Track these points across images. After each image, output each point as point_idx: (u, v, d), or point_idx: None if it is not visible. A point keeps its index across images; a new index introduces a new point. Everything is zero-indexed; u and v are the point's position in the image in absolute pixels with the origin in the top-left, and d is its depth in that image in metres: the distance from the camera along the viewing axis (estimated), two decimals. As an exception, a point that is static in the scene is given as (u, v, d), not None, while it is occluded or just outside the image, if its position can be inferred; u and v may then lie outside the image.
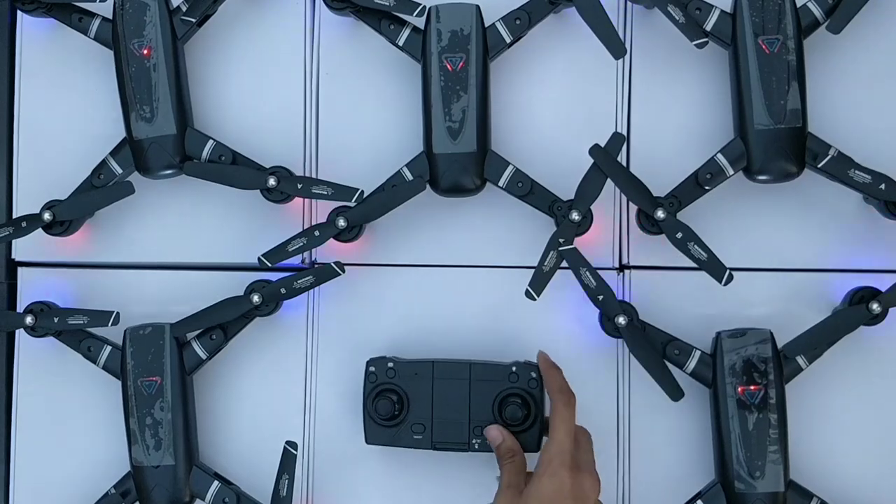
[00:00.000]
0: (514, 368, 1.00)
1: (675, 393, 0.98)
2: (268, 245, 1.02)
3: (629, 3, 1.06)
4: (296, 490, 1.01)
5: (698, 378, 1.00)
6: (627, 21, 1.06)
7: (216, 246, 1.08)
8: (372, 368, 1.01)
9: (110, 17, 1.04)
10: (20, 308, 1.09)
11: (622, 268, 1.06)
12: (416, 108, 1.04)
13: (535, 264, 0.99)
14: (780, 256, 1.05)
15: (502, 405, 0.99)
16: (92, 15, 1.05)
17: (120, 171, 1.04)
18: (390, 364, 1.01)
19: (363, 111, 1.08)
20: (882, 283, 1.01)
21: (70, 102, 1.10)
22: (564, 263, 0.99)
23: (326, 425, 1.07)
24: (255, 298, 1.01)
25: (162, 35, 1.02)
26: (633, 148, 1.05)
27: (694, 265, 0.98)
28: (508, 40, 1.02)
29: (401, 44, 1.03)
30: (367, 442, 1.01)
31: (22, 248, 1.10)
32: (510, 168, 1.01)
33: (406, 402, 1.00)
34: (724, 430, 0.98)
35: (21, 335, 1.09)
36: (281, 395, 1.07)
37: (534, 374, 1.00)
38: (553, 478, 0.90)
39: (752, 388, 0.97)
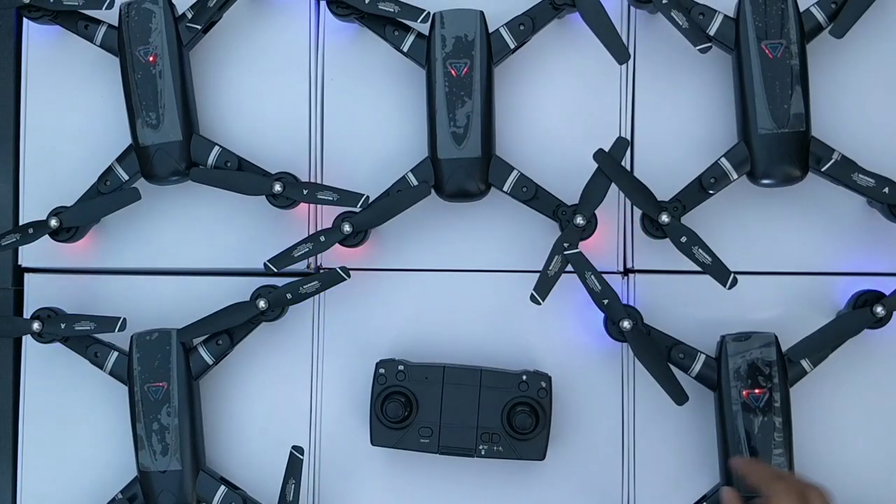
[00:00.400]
0: (524, 377, 1.00)
1: (679, 397, 0.98)
2: (273, 250, 1.02)
3: (633, 8, 1.06)
4: (302, 494, 1.01)
5: (703, 381, 1.00)
6: (631, 26, 1.06)
7: (222, 251, 1.08)
8: (382, 370, 1.01)
9: (116, 24, 1.04)
10: (27, 314, 1.09)
11: (627, 272, 1.06)
12: (420, 113, 1.04)
13: (540, 269, 0.99)
14: (784, 260, 1.05)
15: (511, 413, 0.99)
16: (98, 22, 1.06)
17: (126, 177, 1.05)
18: (400, 367, 1.01)
19: (368, 117, 1.08)
20: (886, 286, 1.01)
21: (76, 109, 1.10)
22: (569, 268, 0.99)
23: (332, 430, 1.07)
24: (262, 304, 1.02)
25: (167, 42, 1.03)
26: (637, 152, 1.06)
27: (698, 269, 0.98)
28: (512, 46, 1.02)
29: (405, 50, 1.03)
30: (373, 443, 1.02)
31: (28, 254, 1.10)
32: (514, 173, 1.02)
33: (415, 405, 1.01)
34: (729, 433, 0.98)
35: (28, 341, 1.09)
36: (287, 399, 1.08)
37: (543, 384, 1.00)
38: None
39: (756, 391, 0.98)
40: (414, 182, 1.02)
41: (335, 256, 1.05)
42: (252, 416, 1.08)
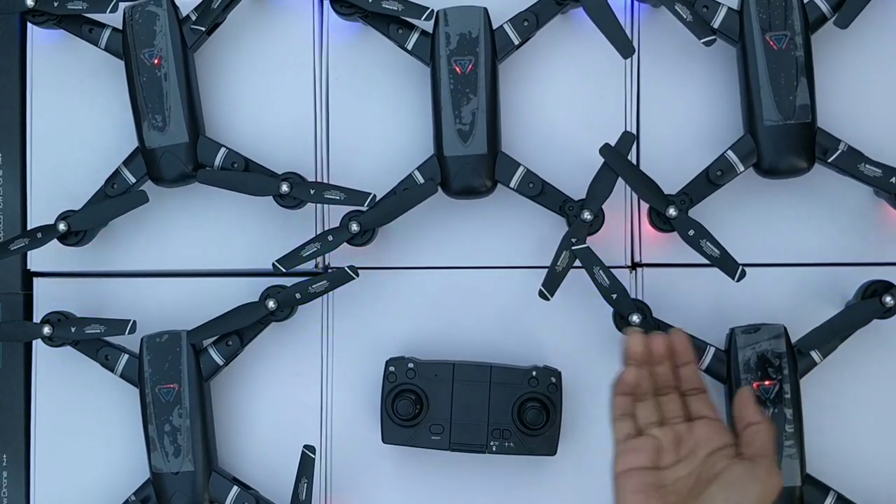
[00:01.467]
0: (533, 373, 1.00)
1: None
2: (281, 251, 1.02)
3: (636, 2, 1.06)
4: (314, 493, 1.02)
5: (713, 374, 1.00)
6: (635, 20, 1.06)
7: (230, 252, 1.09)
8: (392, 368, 1.02)
9: (120, 27, 1.05)
10: (36, 318, 1.09)
11: (635, 266, 1.06)
12: (425, 111, 1.04)
13: (548, 264, 1.00)
14: (792, 251, 1.05)
15: (521, 409, 1.00)
16: (102, 26, 1.06)
17: (133, 180, 1.05)
18: (410, 364, 1.01)
19: (373, 115, 1.08)
20: (894, 276, 1.01)
21: (82, 113, 1.10)
22: (577, 263, 0.99)
23: (343, 428, 1.07)
24: (271, 304, 1.02)
25: (172, 44, 1.03)
26: (644, 146, 1.06)
27: (706, 262, 0.98)
28: (517, 42, 1.02)
29: (409, 48, 1.03)
30: (384, 441, 1.02)
31: (37, 258, 1.10)
32: (521, 169, 1.02)
33: (425, 402, 1.01)
34: (740, 425, 0.98)
35: (38, 345, 1.10)
36: (297, 399, 1.08)
37: (553, 379, 1.00)
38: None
39: (766, 383, 0.98)
40: (420, 180, 1.02)
41: (343, 255, 1.06)
42: (263, 416, 1.08)
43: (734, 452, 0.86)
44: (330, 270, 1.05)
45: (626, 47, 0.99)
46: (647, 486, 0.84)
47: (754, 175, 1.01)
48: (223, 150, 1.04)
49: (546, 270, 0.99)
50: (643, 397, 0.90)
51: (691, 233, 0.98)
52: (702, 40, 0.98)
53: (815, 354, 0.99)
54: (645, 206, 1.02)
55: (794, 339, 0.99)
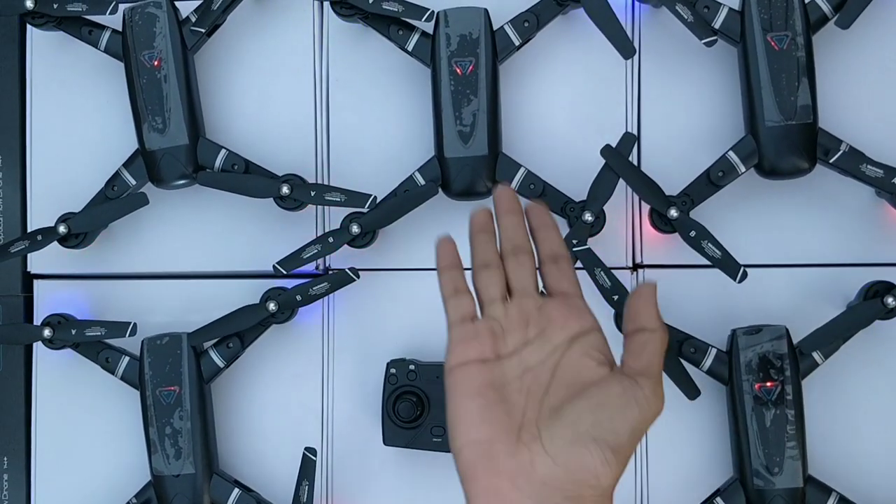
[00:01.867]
0: (535, 374, 1.00)
1: (691, 391, 0.98)
2: (282, 252, 1.02)
3: (637, 3, 1.06)
4: (315, 495, 1.02)
5: (715, 376, 1.00)
6: (636, 21, 1.06)
7: (231, 254, 1.08)
8: (393, 370, 1.01)
9: (120, 29, 1.04)
10: (37, 321, 1.09)
11: (636, 267, 1.06)
12: (426, 112, 1.04)
13: (549, 266, 0.99)
14: (793, 252, 1.05)
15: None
16: (102, 27, 1.05)
17: (133, 182, 1.05)
18: (411, 366, 1.01)
19: (373, 117, 1.08)
20: (896, 276, 1.01)
21: (82, 115, 1.10)
22: (578, 264, 0.99)
23: (344, 430, 1.07)
24: (272, 306, 1.02)
25: (172, 46, 1.03)
26: (645, 147, 1.06)
27: (708, 263, 0.98)
28: (517, 43, 1.02)
29: (410, 49, 1.03)
30: (385, 443, 1.02)
31: (37, 260, 1.10)
32: (522, 170, 1.02)
33: (426, 404, 1.01)
34: (742, 427, 0.98)
35: (39, 348, 1.10)
36: (298, 401, 1.08)
37: None
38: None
39: (768, 384, 0.98)
40: (421, 181, 1.02)
41: (344, 257, 1.05)
42: (264, 418, 1.08)
43: (608, 357, 0.68)
44: (331, 272, 1.04)
45: (626, 48, 0.98)
46: (485, 386, 0.66)
47: (755, 176, 1.01)
48: (223, 151, 1.04)
49: (547, 272, 0.99)
50: (488, 264, 0.72)
51: (692, 234, 0.98)
52: (703, 41, 0.98)
53: (816, 355, 0.99)
54: (646, 208, 1.02)
55: (795, 341, 0.99)
